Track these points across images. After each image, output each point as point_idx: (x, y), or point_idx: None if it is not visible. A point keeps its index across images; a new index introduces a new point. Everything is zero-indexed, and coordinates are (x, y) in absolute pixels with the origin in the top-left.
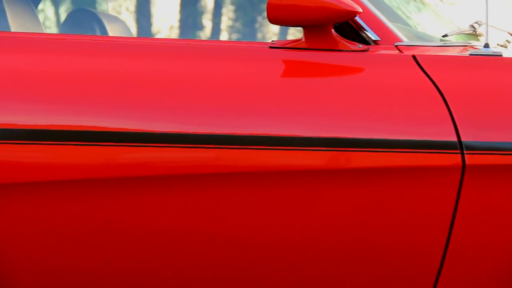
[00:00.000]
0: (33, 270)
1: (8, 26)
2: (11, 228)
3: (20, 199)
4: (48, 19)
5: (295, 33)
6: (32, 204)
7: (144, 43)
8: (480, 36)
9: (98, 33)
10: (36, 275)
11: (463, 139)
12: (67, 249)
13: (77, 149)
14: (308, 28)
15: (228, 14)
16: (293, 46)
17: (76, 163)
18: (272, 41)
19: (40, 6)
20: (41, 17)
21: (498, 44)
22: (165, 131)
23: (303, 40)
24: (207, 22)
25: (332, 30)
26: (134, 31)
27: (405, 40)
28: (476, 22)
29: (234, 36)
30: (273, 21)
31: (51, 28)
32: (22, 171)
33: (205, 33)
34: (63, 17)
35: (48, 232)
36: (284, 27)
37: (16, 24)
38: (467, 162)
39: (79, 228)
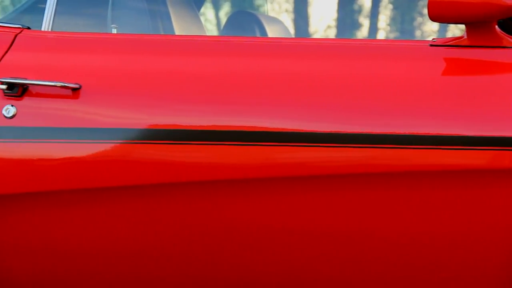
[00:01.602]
0: (179, 265)
1: (172, 29)
2: (166, 225)
3: (176, 198)
4: (209, 22)
5: (453, 31)
6: (187, 202)
7: (303, 44)
8: None
9: (258, 35)
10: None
11: None
12: (221, 247)
13: (235, 149)
14: (471, 25)
15: (385, 13)
16: (455, 44)
17: (233, 163)
18: (433, 39)
19: (202, 9)
20: (202, 19)
21: None
22: (321, 130)
23: (465, 37)
24: (364, 21)
25: (496, 26)
26: (292, 31)
27: None
28: None
29: (391, 35)
30: (434, 18)
31: (213, 30)
32: (179, 171)
33: (363, 32)
34: (223, 19)
35: (203, 229)
36: (443, 25)
37: (179, 27)
38: None
39: (229, 227)
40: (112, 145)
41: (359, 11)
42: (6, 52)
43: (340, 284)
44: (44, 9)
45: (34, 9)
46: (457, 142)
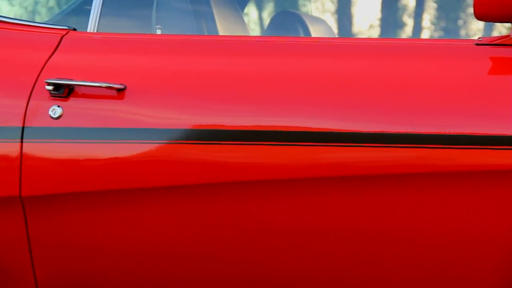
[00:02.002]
0: (237, 266)
1: (216, 30)
2: (210, 225)
3: (220, 198)
4: (253, 22)
5: (501, 30)
6: (234, 203)
7: (346, 43)
8: None
9: (302, 35)
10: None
11: None
12: (264, 247)
13: (278, 149)
14: None
15: (429, 12)
16: (501, 43)
17: (277, 163)
18: (479, 38)
19: (245, 10)
20: (246, 19)
21: None
22: (366, 130)
23: None
24: (408, 20)
25: None
26: (336, 31)
27: None
28: None
29: (436, 34)
30: (480, 17)
31: (256, 30)
32: (223, 171)
33: (407, 32)
34: (267, 19)
35: (246, 229)
36: (488, 23)
37: (223, 27)
38: None
39: (272, 227)
40: (157, 145)
41: (403, 10)
42: (53, 53)
43: (379, 284)
44: (89, 10)
45: (80, 10)
46: (505, 142)
